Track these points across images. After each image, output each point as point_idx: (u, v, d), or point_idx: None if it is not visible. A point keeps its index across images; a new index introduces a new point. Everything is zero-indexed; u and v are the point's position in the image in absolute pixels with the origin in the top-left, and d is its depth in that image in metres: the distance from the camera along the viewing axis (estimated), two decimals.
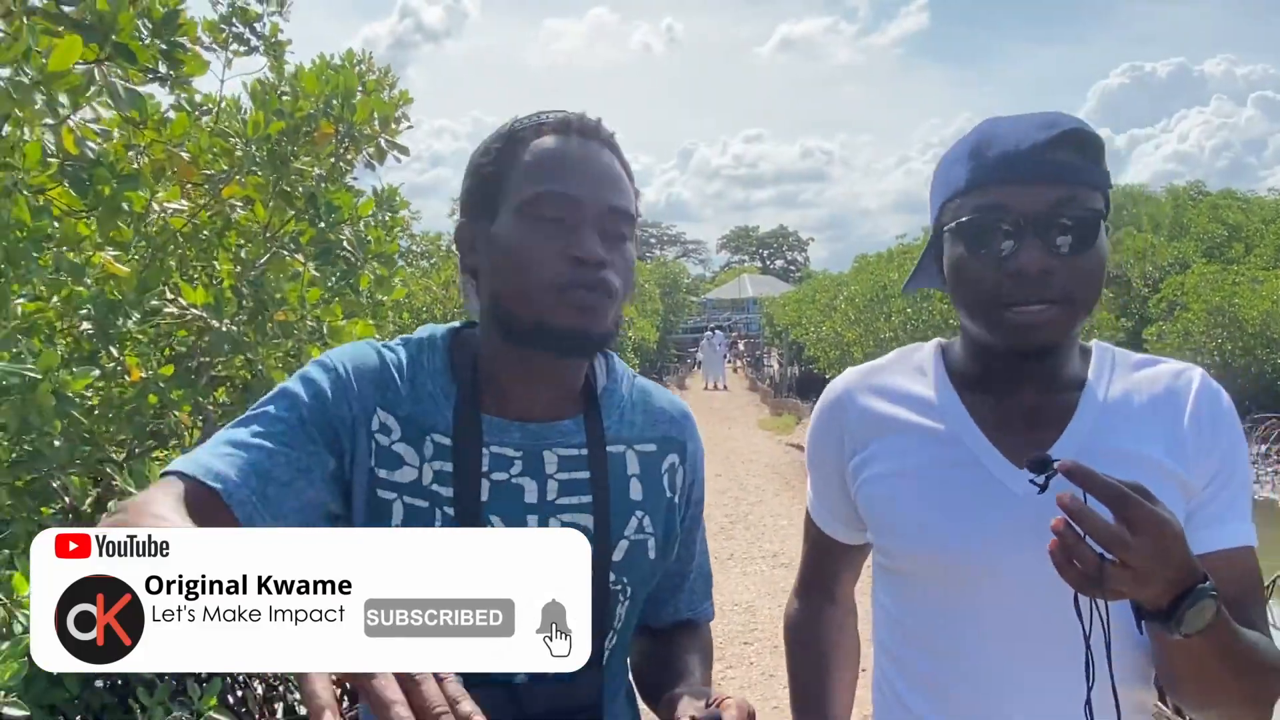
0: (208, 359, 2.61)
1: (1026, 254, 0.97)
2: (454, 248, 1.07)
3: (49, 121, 1.61)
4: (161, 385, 2.33)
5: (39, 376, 1.66)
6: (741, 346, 34.88)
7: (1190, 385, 1.06)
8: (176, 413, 2.41)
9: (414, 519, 0.99)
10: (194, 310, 2.50)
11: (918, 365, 1.16)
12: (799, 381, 22.14)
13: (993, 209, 0.99)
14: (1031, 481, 0.90)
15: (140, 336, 2.43)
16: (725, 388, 24.04)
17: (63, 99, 1.42)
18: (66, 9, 1.49)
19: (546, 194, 0.98)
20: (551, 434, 1.06)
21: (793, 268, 68.11)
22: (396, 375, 1.02)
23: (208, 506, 0.87)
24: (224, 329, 2.52)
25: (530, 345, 1.01)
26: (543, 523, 1.03)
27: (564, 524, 1.03)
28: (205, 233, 2.70)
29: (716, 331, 26.80)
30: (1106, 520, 0.80)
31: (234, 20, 2.96)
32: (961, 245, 1.02)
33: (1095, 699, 0.94)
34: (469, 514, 0.99)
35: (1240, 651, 0.91)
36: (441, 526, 0.99)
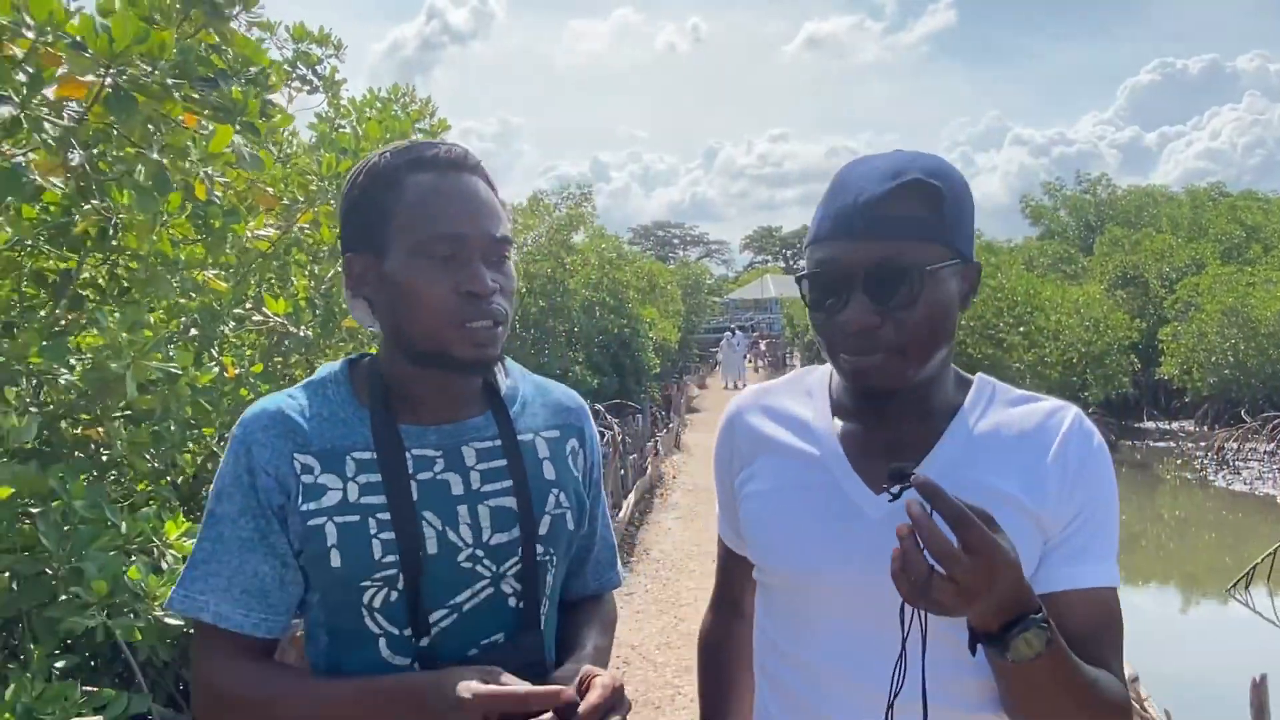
0: (285, 359, 3.13)
1: (850, 311, 1.01)
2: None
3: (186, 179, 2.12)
4: (252, 380, 2.84)
5: (179, 372, 2.16)
6: (763, 346, 35.23)
7: (1060, 425, 1.06)
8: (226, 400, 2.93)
9: (347, 534, 1.05)
10: (276, 318, 3.02)
11: (807, 388, 1.21)
12: None
13: (827, 263, 1.03)
14: (885, 489, 0.92)
15: (235, 340, 2.95)
16: (744, 385, 24.45)
17: (209, 167, 1.92)
18: (209, 94, 1.99)
19: (437, 235, 1.05)
20: (466, 431, 1.13)
21: None
22: (300, 419, 1.09)
23: (240, 639, 1.06)
24: (300, 334, 3.04)
25: (434, 368, 1.10)
26: (471, 510, 1.10)
27: (491, 509, 1.11)
28: (283, 254, 3.22)
29: (737, 332, 27.18)
30: (944, 536, 0.83)
31: (299, 64, 3.50)
32: (809, 297, 1.08)
33: (899, 705, 0.98)
34: (404, 514, 1.06)
35: (1077, 685, 0.92)
36: (377, 534, 1.06)
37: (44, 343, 2.07)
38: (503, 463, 1.13)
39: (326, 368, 1.17)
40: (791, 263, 71.14)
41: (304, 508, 1.05)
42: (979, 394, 1.12)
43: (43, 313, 2.36)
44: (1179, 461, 14.33)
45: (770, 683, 1.17)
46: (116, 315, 2.05)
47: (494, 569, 1.10)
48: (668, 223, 74.54)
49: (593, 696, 0.97)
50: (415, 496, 1.08)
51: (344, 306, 3.14)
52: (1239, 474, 12.75)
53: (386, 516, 1.06)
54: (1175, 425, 17.67)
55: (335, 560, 1.05)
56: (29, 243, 2.27)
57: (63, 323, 2.39)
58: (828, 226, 1.04)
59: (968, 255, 1.05)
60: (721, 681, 1.34)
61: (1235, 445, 13.92)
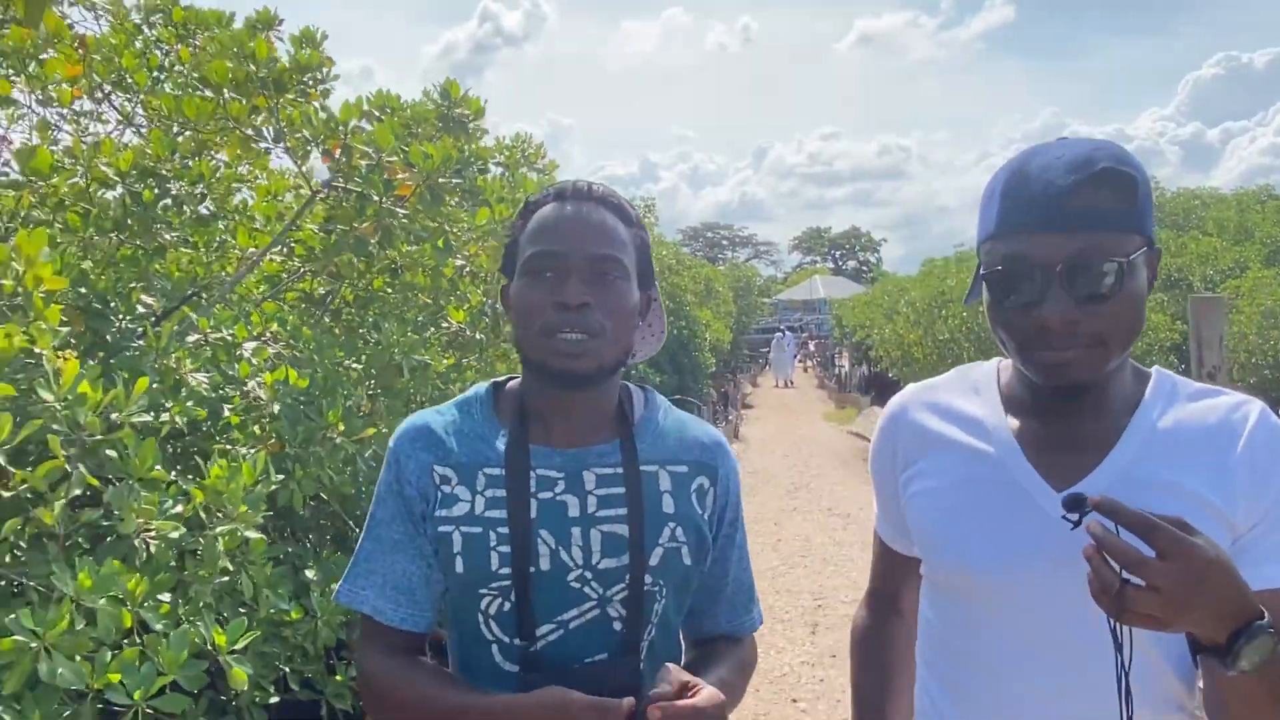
0: (466, 356, 4.26)
1: (1050, 306, 0.97)
2: None
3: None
4: (444, 371, 3.97)
5: (429, 362, 3.28)
6: (812, 347, 36.00)
7: (1246, 420, 1.04)
8: (454, 386, 4.06)
9: (470, 544, 1.14)
10: (457, 325, 4.15)
11: (974, 384, 1.19)
12: (867, 381, 23.35)
13: (1017, 259, 1.00)
14: (1065, 518, 0.90)
15: (433, 342, 4.08)
16: (792, 384, 25.38)
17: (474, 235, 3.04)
18: (457, 181, 3.11)
19: (537, 253, 1.14)
20: (590, 456, 1.18)
21: (865, 268, 68.45)
22: (444, 434, 1.19)
23: (392, 632, 1.17)
24: (476, 337, 4.16)
25: (543, 382, 1.18)
26: (584, 533, 1.15)
27: (602, 534, 1.15)
28: (458, 277, 4.36)
29: (787, 333, 28.09)
30: (1131, 547, 0.82)
31: (520, 151, 4.66)
32: (992, 293, 1.04)
33: (1101, 711, 0.96)
34: (520, 529, 1.12)
35: None
36: (495, 546, 1.13)
37: (341, 338, 3.21)
38: (621, 490, 1.17)
39: (476, 388, 1.28)
40: (840, 264, 71.46)
41: (438, 514, 1.16)
42: (1159, 387, 1.10)
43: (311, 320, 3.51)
44: None
45: (941, 683, 1.16)
46: (394, 325, 3.17)
47: (601, 592, 1.15)
48: (716, 224, 75.35)
49: (696, 699, 1.01)
50: (534, 514, 1.14)
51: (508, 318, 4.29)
52: None
53: (506, 531, 1.13)
54: None
55: (459, 567, 1.15)
56: (304, 271, 3.44)
57: (335, 329, 3.54)
58: (1014, 219, 1.01)
59: (1153, 241, 1.04)
60: (878, 679, 1.33)
61: None
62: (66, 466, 1.87)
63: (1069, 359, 1.00)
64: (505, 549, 1.13)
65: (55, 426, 1.83)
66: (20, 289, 1.86)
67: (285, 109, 2.59)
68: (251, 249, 3.46)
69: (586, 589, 1.15)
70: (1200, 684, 0.97)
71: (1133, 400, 1.09)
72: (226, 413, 2.62)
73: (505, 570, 1.12)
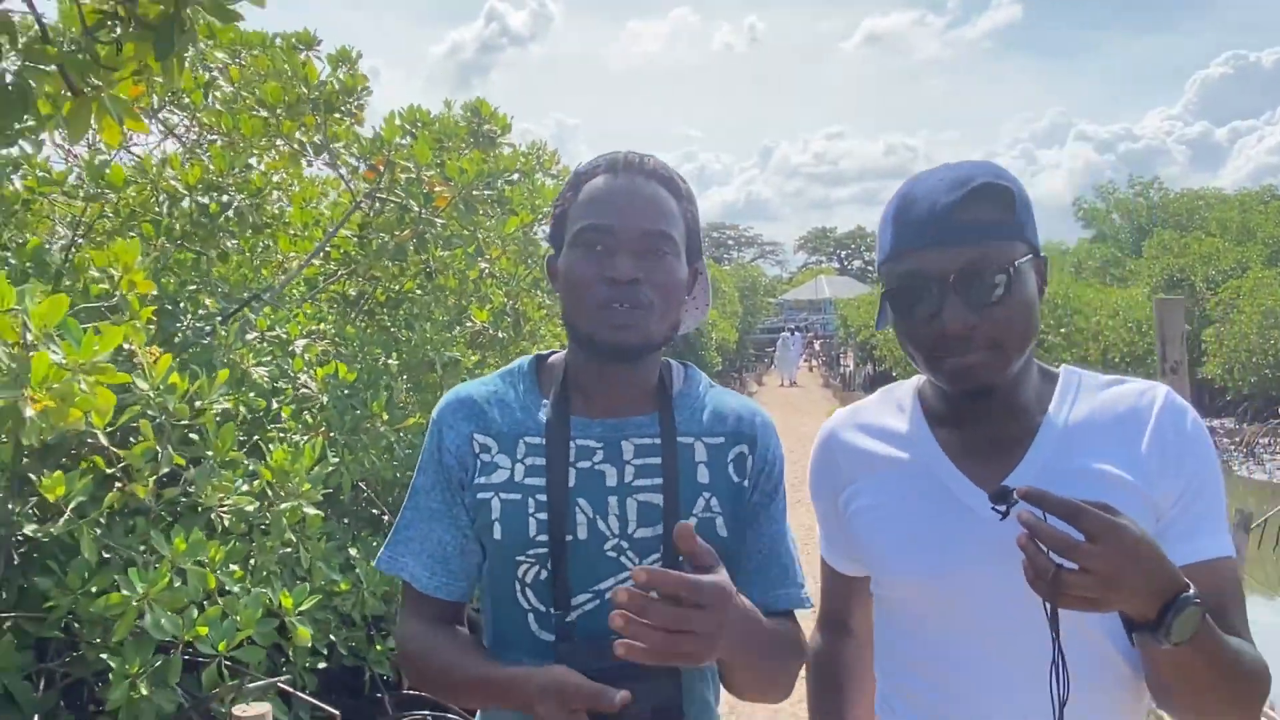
0: (488, 354, 4.53)
1: (948, 315, 1.04)
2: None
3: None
4: (470, 367, 4.24)
5: (460, 358, 3.54)
6: (817, 346, 36.23)
7: (1153, 404, 1.09)
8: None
9: (509, 510, 1.16)
10: (480, 324, 4.42)
11: (897, 401, 1.24)
12: (871, 380, 23.62)
13: (914, 275, 1.06)
14: (994, 509, 0.96)
15: (459, 340, 4.35)
16: (794, 383, 25.68)
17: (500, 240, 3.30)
18: (489, 191, 3.37)
19: (587, 226, 1.15)
20: (628, 427, 1.20)
21: (870, 268, 68.64)
22: (485, 404, 1.22)
23: (427, 600, 1.20)
24: (499, 335, 4.43)
25: (589, 354, 1.19)
26: (621, 503, 1.16)
27: (639, 503, 1.16)
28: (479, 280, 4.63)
29: (794, 333, 28.36)
30: (1061, 532, 0.86)
31: (535, 159, 4.90)
32: (896, 310, 1.11)
33: (1062, 712, 0.97)
34: (558, 496, 1.14)
35: (1226, 659, 0.94)
36: (534, 514, 1.15)
37: (377, 336, 3.48)
38: (657, 461, 1.18)
39: (520, 360, 1.29)
40: (846, 263, 71.61)
41: (477, 481, 1.18)
42: (1067, 383, 1.15)
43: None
44: None
45: (898, 692, 1.19)
46: (428, 324, 3.44)
47: (637, 561, 1.16)
48: (722, 224, 75.56)
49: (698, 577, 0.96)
50: (572, 483, 1.16)
51: (528, 315, 4.56)
52: (1263, 465, 13.65)
53: (544, 498, 1.15)
54: (1216, 423, 18.37)
55: (497, 533, 1.16)
56: (340, 274, 3.71)
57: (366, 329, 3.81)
58: (906, 240, 1.08)
59: (1038, 249, 1.11)
60: (833, 699, 1.36)
61: (1266, 440, 14.76)
62: (157, 448, 2.14)
63: (972, 363, 1.05)
64: (543, 516, 1.14)
65: (149, 412, 2.09)
66: (117, 292, 2.12)
67: (332, 126, 2.85)
68: (291, 254, 3.73)
69: (622, 558, 1.16)
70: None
71: (1044, 398, 1.14)
72: (275, 404, 2.88)
73: (542, 538, 1.14)
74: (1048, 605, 0.90)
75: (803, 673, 1.31)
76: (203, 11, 1.36)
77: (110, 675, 2.13)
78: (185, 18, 1.34)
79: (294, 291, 3.85)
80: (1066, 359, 14.90)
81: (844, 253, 73.89)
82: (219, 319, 2.62)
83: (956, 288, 1.03)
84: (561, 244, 1.20)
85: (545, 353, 1.31)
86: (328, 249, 3.75)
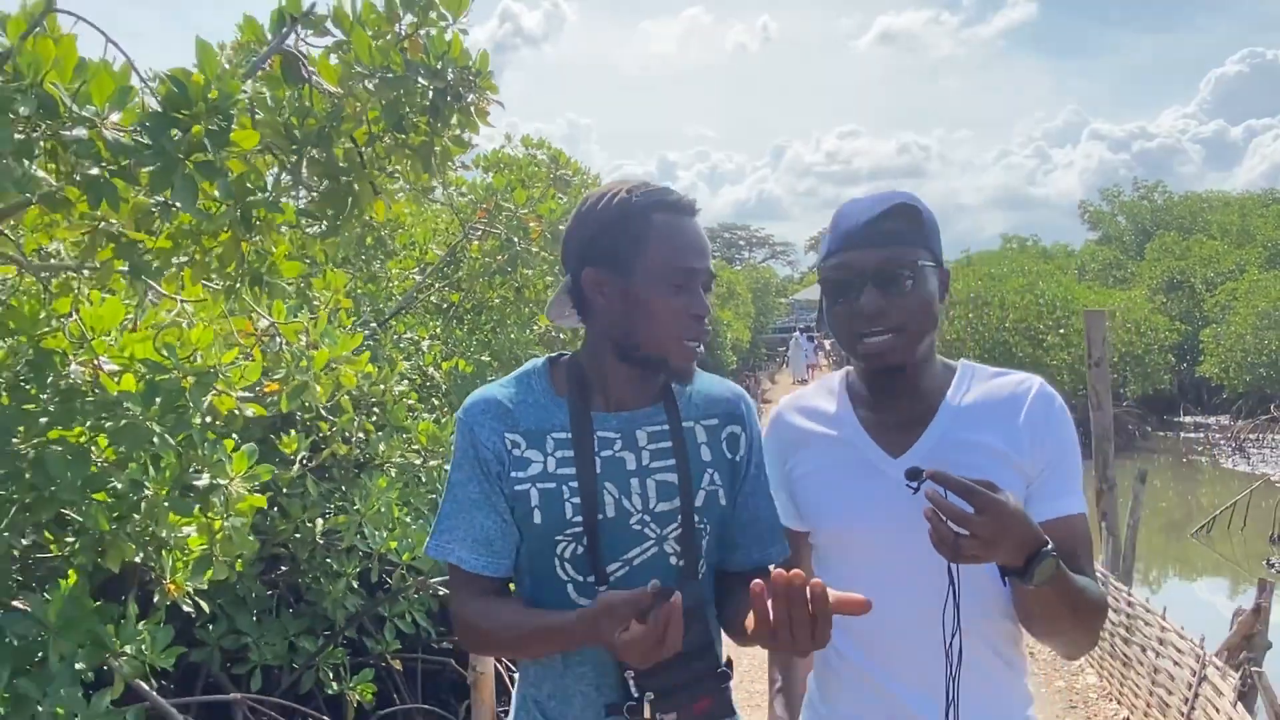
0: (550, 352, 5.44)
1: (865, 298, 1.30)
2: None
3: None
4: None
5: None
6: (828, 346, 37.01)
7: (1029, 391, 1.36)
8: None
9: (547, 498, 1.31)
10: (545, 327, 5.29)
11: (829, 388, 1.50)
12: None
13: (842, 268, 1.34)
14: (908, 485, 1.17)
15: (533, 339, 5.25)
16: (804, 381, 26.60)
17: None
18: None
19: (680, 268, 1.31)
20: (640, 418, 1.37)
21: None
22: (510, 404, 1.35)
23: (476, 578, 1.33)
24: (560, 336, 5.31)
25: (646, 369, 1.35)
26: (641, 483, 1.33)
27: (657, 482, 1.34)
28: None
29: (802, 334, 29.18)
30: (958, 507, 1.11)
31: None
32: (827, 298, 1.38)
33: (952, 641, 1.26)
34: (588, 483, 1.31)
35: (1075, 595, 1.21)
36: (569, 499, 1.30)
37: (475, 337, 4.35)
38: (668, 444, 1.36)
39: (531, 363, 1.42)
40: None
41: (513, 474, 1.31)
42: (963, 374, 1.41)
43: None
44: (1199, 449, 16.00)
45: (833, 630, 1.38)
46: (512, 328, 4.32)
47: (658, 531, 1.33)
48: (733, 225, 75.93)
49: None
50: (599, 470, 1.31)
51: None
52: (1248, 458, 14.45)
53: (576, 485, 1.30)
54: (1212, 420, 19.12)
55: (537, 518, 1.30)
56: (436, 287, 4.59)
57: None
58: (839, 243, 1.34)
59: (940, 261, 1.37)
60: None
61: (1255, 435, 15.56)
62: (354, 417, 3.03)
63: (882, 344, 1.31)
64: (577, 500, 1.29)
65: (352, 392, 2.97)
66: (326, 306, 3.00)
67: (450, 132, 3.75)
68: (397, 270, 4.62)
69: (646, 530, 1.32)
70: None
71: (944, 385, 1.40)
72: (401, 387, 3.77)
73: (577, 519, 1.29)
74: (947, 561, 1.16)
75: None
76: (445, 140, 2.24)
77: (319, 581, 3.02)
78: (438, 145, 2.22)
79: (389, 303, 4.74)
80: (1063, 358, 15.63)
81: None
82: (375, 324, 3.51)
83: (874, 279, 1.30)
84: (617, 267, 1.31)
85: (554, 355, 1.45)
86: (425, 265, 4.63)
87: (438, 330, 3.98)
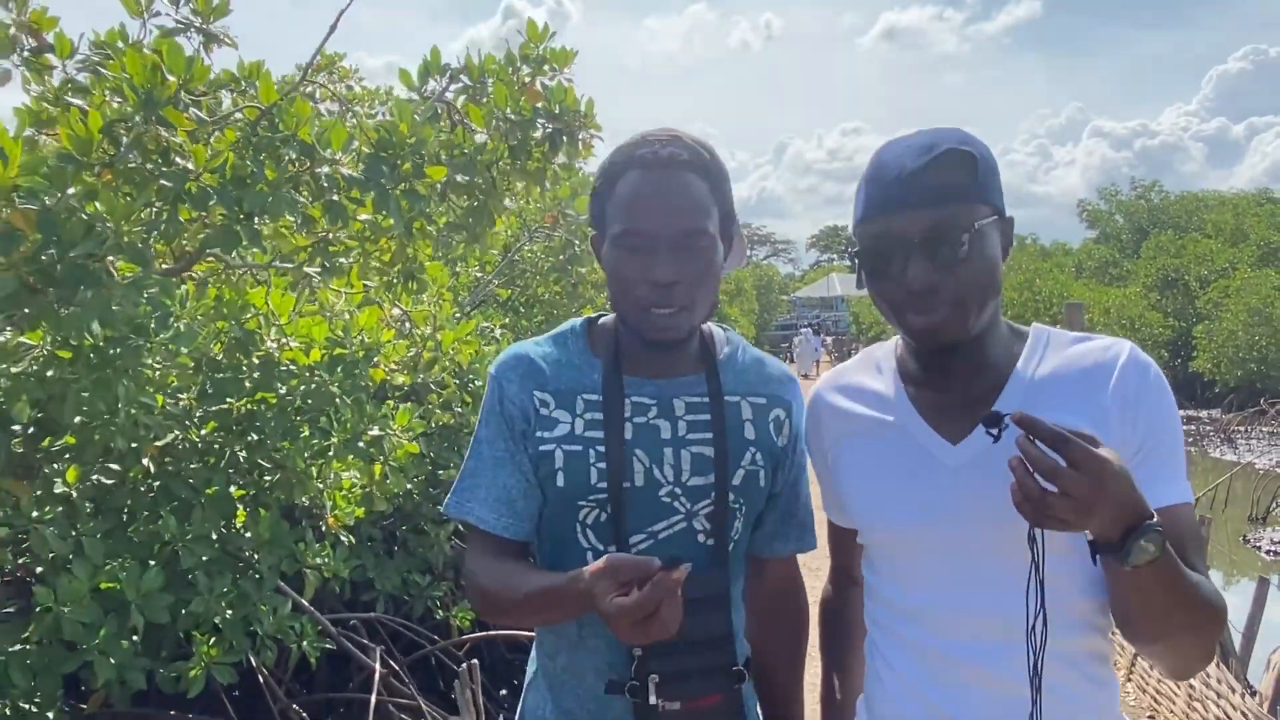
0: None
1: (912, 273, 1.10)
2: None
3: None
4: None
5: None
6: (830, 342, 37.66)
7: (1117, 360, 1.13)
8: None
9: (572, 460, 1.25)
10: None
11: (875, 362, 1.30)
12: None
13: (882, 236, 1.13)
14: (987, 432, 1.00)
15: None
16: (806, 376, 27.35)
17: None
18: None
19: (630, 230, 1.21)
20: (679, 386, 1.30)
21: None
22: (543, 363, 1.30)
23: (494, 539, 1.28)
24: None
25: (634, 339, 1.29)
26: (675, 454, 1.27)
27: (692, 454, 1.27)
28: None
29: (807, 329, 29.80)
30: (1050, 457, 0.92)
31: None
32: (867, 269, 1.18)
33: (1016, 628, 1.05)
34: (615, 448, 1.24)
35: (1184, 588, 0.99)
36: (595, 463, 1.24)
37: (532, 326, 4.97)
38: (707, 417, 1.29)
39: (570, 323, 1.38)
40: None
41: (539, 434, 1.27)
42: (1035, 342, 1.20)
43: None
44: (1190, 441, 16.61)
45: (882, 632, 1.25)
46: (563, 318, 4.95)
47: (689, 506, 1.27)
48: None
49: None
50: (629, 436, 1.26)
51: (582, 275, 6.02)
52: (1235, 448, 15.10)
53: (604, 449, 1.25)
54: (1205, 413, 19.72)
55: (560, 481, 1.25)
56: (494, 283, 5.21)
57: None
58: (876, 203, 1.14)
59: (1002, 211, 1.16)
60: (841, 642, 1.44)
61: (1243, 427, 16.22)
62: (455, 391, 3.64)
63: (935, 321, 1.11)
64: (603, 465, 1.24)
65: (450, 373, 3.58)
66: (433, 298, 3.61)
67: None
68: (462, 268, 5.22)
69: (676, 503, 1.26)
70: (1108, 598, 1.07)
71: (1012, 355, 1.18)
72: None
73: (602, 484, 1.24)
74: (1030, 526, 0.97)
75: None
76: (554, 166, 2.85)
77: (424, 529, 3.62)
78: (549, 170, 2.84)
79: (463, 295, 5.34)
80: None
81: (856, 250, 74.58)
82: (457, 316, 4.12)
83: (922, 248, 1.10)
84: (603, 227, 1.27)
85: (595, 315, 1.40)
86: (484, 263, 5.24)
87: (506, 321, 4.58)
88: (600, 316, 1.40)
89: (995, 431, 1.00)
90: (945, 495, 1.15)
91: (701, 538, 1.27)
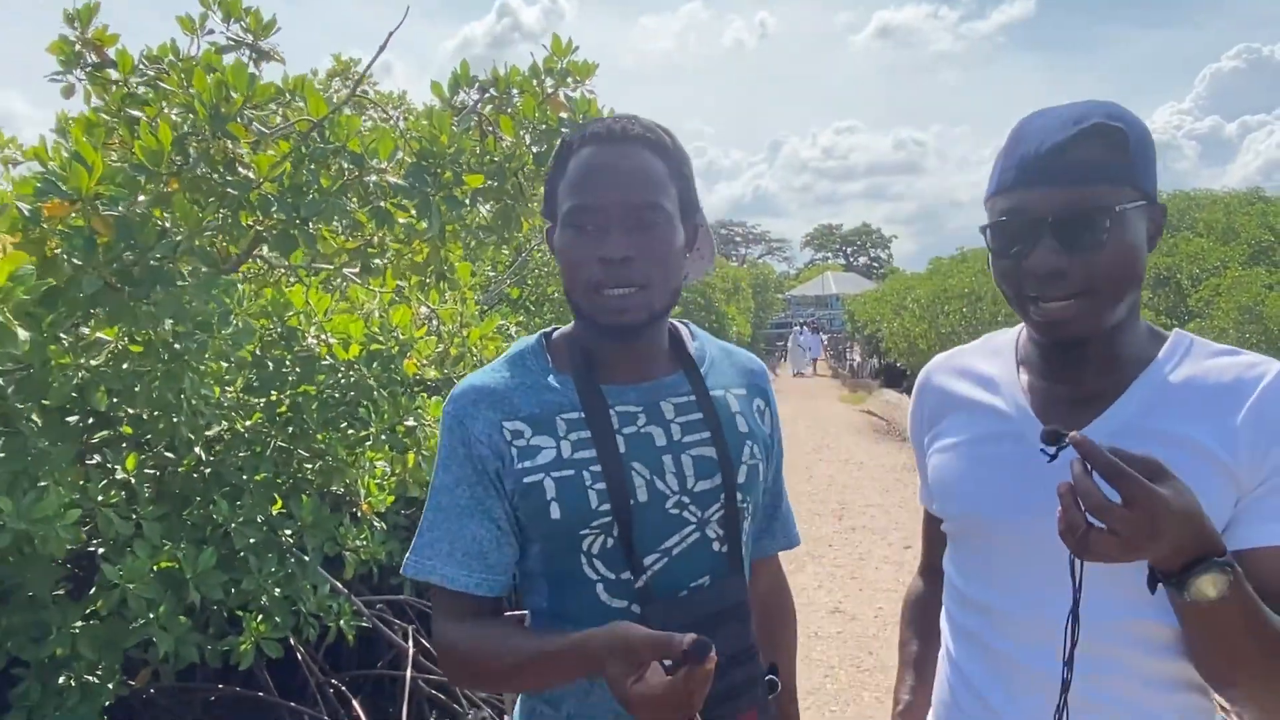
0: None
1: (1038, 256, 1.03)
2: None
3: None
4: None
5: None
6: (825, 340, 37.89)
7: (1260, 379, 1.04)
8: None
9: (565, 487, 1.14)
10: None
11: (995, 348, 1.24)
12: (877, 372, 25.30)
13: (1014, 212, 1.05)
14: (1043, 451, 0.93)
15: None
16: (801, 374, 27.57)
17: None
18: None
19: (578, 207, 1.13)
20: (662, 388, 1.22)
21: (876, 264, 70.07)
22: (506, 390, 1.18)
23: (464, 598, 1.16)
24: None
25: (593, 332, 1.18)
26: (675, 460, 1.17)
27: (693, 458, 1.18)
28: None
29: (803, 329, 30.04)
30: (1098, 492, 0.85)
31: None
32: (993, 246, 1.10)
33: (1070, 657, 0.99)
34: (613, 466, 1.14)
35: (1264, 631, 0.91)
36: (591, 486, 1.13)
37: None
38: (699, 416, 1.21)
39: (522, 342, 1.26)
40: (852, 260, 73.03)
41: (519, 467, 1.14)
42: (1175, 347, 1.11)
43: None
44: None
45: (954, 628, 1.22)
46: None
47: (700, 514, 1.18)
48: (730, 221, 76.80)
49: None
50: (623, 449, 1.16)
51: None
52: None
53: (599, 469, 1.14)
54: None
55: (555, 512, 1.14)
56: (505, 282, 5.37)
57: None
58: (1011, 176, 1.06)
59: (1153, 196, 1.06)
60: (920, 637, 1.39)
61: None
62: None
63: (1061, 314, 1.04)
64: (602, 486, 1.14)
65: (476, 368, 3.75)
66: (458, 296, 3.78)
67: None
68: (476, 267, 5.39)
69: (685, 513, 1.17)
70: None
71: (1145, 357, 1.10)
72: None
73: (605, 507, 1.14)
74: (1071, 556, 0.92)
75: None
76: None
77: None
78: None
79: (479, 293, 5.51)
80: None
81: (850, 249, 75.19)
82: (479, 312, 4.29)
83: (1054, 229, 1.02)
84: (554, 213, 1.19)
85: (548, 330, 1.31)
86: (495, 263, 5.40)
87: (520, 319, 4.75)
88: (554, 330, 1.30)
89: (1053, 451, 0.94)
90: (1037, 494, 1.07)
91: (716, 545, 1.20)
